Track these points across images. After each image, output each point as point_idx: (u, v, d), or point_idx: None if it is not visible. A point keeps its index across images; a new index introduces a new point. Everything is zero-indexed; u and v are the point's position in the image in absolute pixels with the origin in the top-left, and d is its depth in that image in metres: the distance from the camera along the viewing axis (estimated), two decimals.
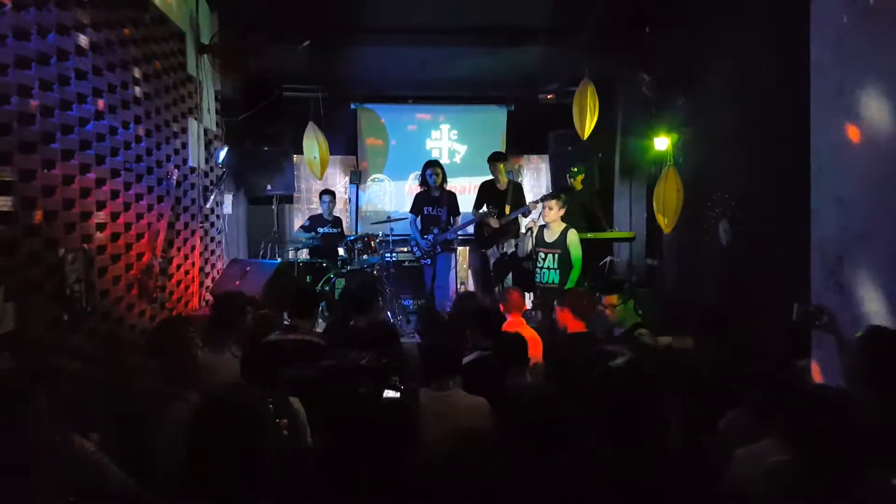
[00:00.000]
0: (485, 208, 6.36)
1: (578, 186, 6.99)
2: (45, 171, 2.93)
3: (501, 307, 4.21)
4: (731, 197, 5.09)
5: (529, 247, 5.25)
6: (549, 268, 5.09)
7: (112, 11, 3.64)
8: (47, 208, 2.93)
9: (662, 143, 6.17)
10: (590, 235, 6.78)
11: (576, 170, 7.10)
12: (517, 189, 6.74)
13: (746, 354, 2.38)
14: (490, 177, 6.72)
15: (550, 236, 5.12)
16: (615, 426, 2.03)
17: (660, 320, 4.95)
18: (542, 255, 5.13)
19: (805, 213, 3.45)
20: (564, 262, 5.05)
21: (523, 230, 5.61)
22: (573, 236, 5.07)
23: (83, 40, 3.28)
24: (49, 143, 2.98)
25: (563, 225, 5.14)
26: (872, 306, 2.91)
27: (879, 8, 2.89)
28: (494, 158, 6.64)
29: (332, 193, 7.15)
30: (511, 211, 6.43)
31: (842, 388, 2.09)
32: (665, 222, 5.82)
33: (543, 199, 5.41)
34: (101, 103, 3.48)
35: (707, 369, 2.76)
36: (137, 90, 3.98)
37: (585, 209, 7.07)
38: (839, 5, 3.14)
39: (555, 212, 5.08)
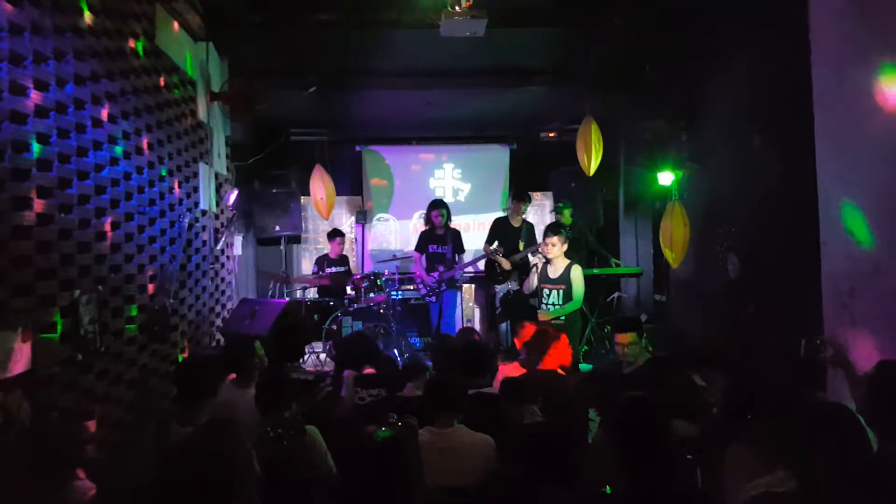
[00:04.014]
0: (496, 245, 6.36)
1: (567, 220, 6.98)
2: (62, 215, 2.99)
3: (518, 343, 4.13)
4: (739, 230, 5.10)
5: (535, 283, 5.21)
6: (553, 304, 5.03)
7: (126, 62, 3.76)
8: (63, 251, 2.97)
9: (667, 178, 6.20)
10: (596, 271, 6.77)
11: (561, 205, 7.13)
12: (531, 228, 6.78)
13: (754, 388, 2.36)
14: (503, 214, 6.75)
15: (554, 272, 5.07)
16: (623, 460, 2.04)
17: (670, 356, 4.91)
18: (547, 291, 5.07)
19: (814, 246, 3.46)
20: (569, 299, 4.98)
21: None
22: (577, 272, 5.00)
23: (99, 90, 3.39)
24: (65, 189, 3.04)
25: (567, 261, 5.09)
26: (886, 338, 2.89)
27: (879, 43, 2.96)
28: (520, 198, 6.71)
29: (342, 234, 7.23)
30: (524, 248, 6.46)
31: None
32: (672, 257, 5.82)
33: (544, 235, 5.39)
34: (116, 149, 3.56)
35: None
36: (151, 137, 4.07)
37: (579, 243, 6.98)
38: (840, 40, 3.21)
39: (557, 248, 5.04)
